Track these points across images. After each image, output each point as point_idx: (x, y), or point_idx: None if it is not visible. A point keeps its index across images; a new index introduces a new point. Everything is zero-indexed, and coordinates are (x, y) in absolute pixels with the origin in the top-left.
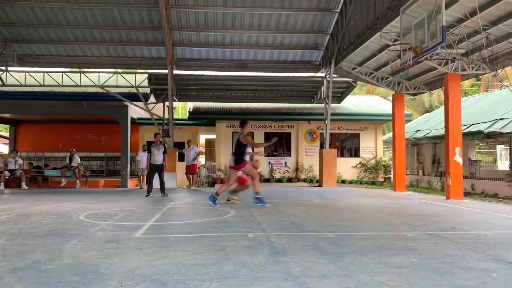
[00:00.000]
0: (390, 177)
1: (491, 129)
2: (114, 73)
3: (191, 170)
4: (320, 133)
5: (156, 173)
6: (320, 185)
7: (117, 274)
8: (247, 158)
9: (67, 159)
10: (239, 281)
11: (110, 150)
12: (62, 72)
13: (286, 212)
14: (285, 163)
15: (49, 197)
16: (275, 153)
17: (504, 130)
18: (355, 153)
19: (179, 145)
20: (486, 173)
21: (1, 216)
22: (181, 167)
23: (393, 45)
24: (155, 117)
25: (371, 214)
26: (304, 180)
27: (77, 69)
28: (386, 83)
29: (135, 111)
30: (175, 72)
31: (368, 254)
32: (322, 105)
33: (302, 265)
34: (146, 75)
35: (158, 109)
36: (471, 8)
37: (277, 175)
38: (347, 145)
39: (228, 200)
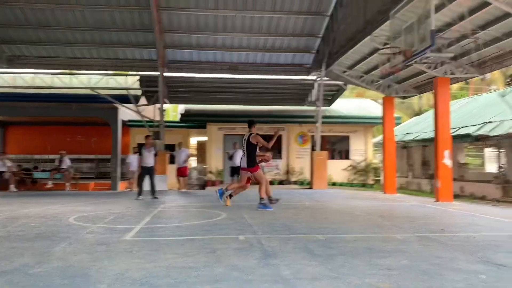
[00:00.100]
0: (380, 179)
1: (480, 132)
2: (105, 75)
3: (182, 172)
4: (311, 136)
5: (147, 176)
6: (311, 188)
7: (106, 277)
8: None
9: (57, 161)
10: (229, 284)
11: (100, 152)
12: (52, 73)
13: (276, 214)
14: (277, 165)
15: (38, 200)
16: None
17: (492, 133)
18: (346, 155)
19: (170, 148)
20: (475, 175)
21: None
22: (172, 169)
23: (383, 48)
24: (146, 119)
25: (361, 216)
26: (295, 183)
27: (68, 71)
28: (376, 86)
29: (126, 113)
30: (166, 74)
31: (358, 256)
32: (313, 108)
33: (293, 267)
34: (137, 77)
35: (149, 111)
36: (460, 12)
37: (268, 178)
38: (337, 148)
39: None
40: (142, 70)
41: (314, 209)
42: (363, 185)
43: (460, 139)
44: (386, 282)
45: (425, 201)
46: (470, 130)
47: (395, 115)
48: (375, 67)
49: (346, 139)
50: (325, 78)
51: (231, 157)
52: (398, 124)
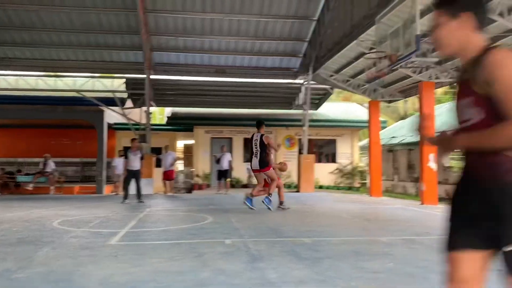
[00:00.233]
0: (366, 182)
1: None
2: (91, 77)
3: (168, 176)
4: (298, 139)
5: (133, 179)
6: (298, 191)
7: (90, 282)
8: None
9: (41, 164)
10: None
11: (85, 155)
12: (37, 76)
13: (263, 217)
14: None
15: (22, 204)
16: None
17: None
18: (332, 159)
19: (156, 151)
20: None
21: None
22: (158, 173)
23: (369, 53)
24: (132, 122)
25: (348, 219)
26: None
27: (53, 73)
28: (362, 90)
29: (112, 116)
30: (152, 76)
31: (344, 259)
32: (300, 111)
33: (279, 271)
34: (123, 80)
35: (135, 114)
36: None
37: (255, 181)
38: (324, 151)
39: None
40: (128, 73)
41: (301, 212)
42: (350, 188)
43: None
44: (372, 285)
45: (410, 204)
46: None
47: (381, 119)
48: (361, 71)
49: (332, 142)
50: (312, 82)
51: (218, 161)
52: (383, 127)
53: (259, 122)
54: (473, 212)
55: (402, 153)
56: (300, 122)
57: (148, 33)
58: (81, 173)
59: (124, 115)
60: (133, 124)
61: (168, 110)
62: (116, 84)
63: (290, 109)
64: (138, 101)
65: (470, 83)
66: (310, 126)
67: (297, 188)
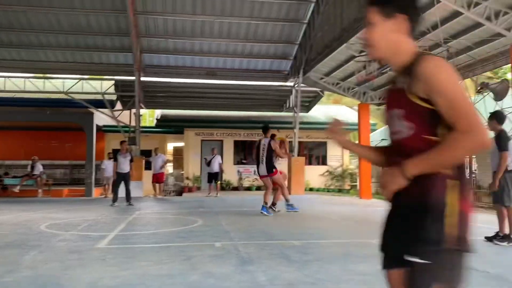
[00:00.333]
0: (357, 185)
1: None
2: (80, 79)
3: (158, 178)
4: (289, 142)
5: (122, 182)
6: (289, 193)
7: (78, 286)
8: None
9: (29, 167)
10: None
11: (74, 158)
12: (24, 77)
13: (254, 220)
14: (254, 171)
15: (9, 207)
16: (244, 161)
17: None
18: (323, 161)
19: (146, 153)
20: None
21: None
22: (147, 175)
23: (359, 56)
24: (121, 124)
25: (338, 221)
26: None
27: (41, 75)
28: (352, 93)
29: (101, 118)
30: (142, 78)
31: (334, 261)
32: (290, 114)
33: (269, 273)
34: (113, 82)
35: (125, 117)
36: (433, 21)
37: (246, 183)
38: (315, 154)
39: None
40: (118, 75)
41: (291, 214)
42: (340, 191)
43: None
44: (361, 287)
45: None
46: None
47: (371, 121)
48: (351, 74)
49: (323, 145)
50: (303, 85)
51: (208, 163)
52: (373, 130)
53: (265, 127)
54: (395, 228)
55: None
56: (291, 124)
57: (138, 35)
58: (70, 175)
59: (113, 117)
60: (123, 127)
61: (158, 112)
62: (105, 86)
63: (281, 111)
64: (128, 103)
65: (402, 92)
66: (300, 128)
67: (287, 190)
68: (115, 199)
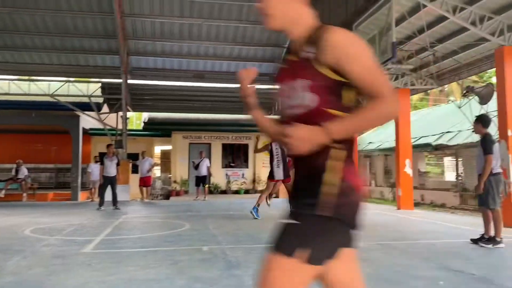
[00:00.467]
0: None
1: (439, 142)
2: (66, 81)
3: (145, 182)
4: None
5: (109, 186)
6: (277, 197)
7: None
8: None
9: (14, 171)
10: None
11: (60, 161)
12: (9, 79)
13: (241, 224)
14: (243, 174)
15: None
16: (233, 164)
17: (451, 143)
18: None
19: (133, 157)
20: (435, 184)
21: None
22: (134, 179)
23: None
24: (108, 127)
25: None
26: (262, 192)
27: (26, 77)
28: None
29: (87, 121)
30: (129, 81)
31: None
32: None
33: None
34: (99, 84)
35: (111, 120)
36: (420, 26)
37: (234, 187)
38: None
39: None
40: (104, 77)
41: (279, 218)
42: None
43: (421, 148)
44: None
45: (387, 209)
46: (430, 140)
47: None
48: None
49: None
50: None
51: (196, 167)
52: (361, 133)
53: None
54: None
55: (379, 158)
56: None
57: (125, 37)
58: (55, 179)
59: (100, 120)
60: (109, 130)
61: (145, 115)
62: (92, 88)
63: (270, 115)
64: (115, 106)
65: (308, 63)
66: None
67: (276, 193)
68: (101, 203)
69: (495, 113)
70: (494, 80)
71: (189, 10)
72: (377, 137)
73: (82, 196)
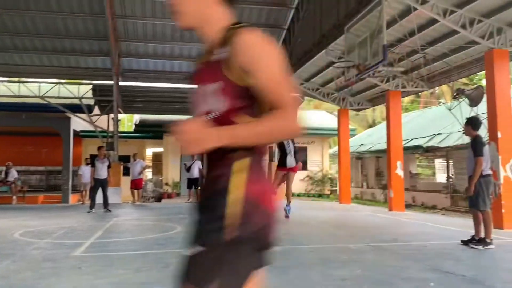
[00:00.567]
0: (336, 189)
1: (430, 144)
2: (56, 83)
3: (136, 184)
4: (269, 147)
5: (100, 188)
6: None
7: None
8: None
9: (3, 173)
10: None
11: (50, 163)
12: None
13: None
14: None
15: None
16: None
17: (441, 145)
18: (303, 166)
19: (125, 159)
20: (426, 185)
21: None
22: (126, 181)
23: (338, 62)
24: (99, 129)
25: (317, 226)
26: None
27: (16, 79)
28: (331, 99)
29: (78, 123)
30: (121, 83)
31: (313, 267)
32: None
33: None
34: (90, 86)
35: (103, 121)
36: (411, 28)
37: None
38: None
39: None
40: (95, 79)
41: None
42: (320, 196)
43: (412, 150)
44: None
45: (378, 210)
46: (421, 142)
47: (350, 127)
48: (330, 80)
49: (303, 150)
50: None
51: (188, 169)
52: (353, 135)
53: None
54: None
55: (371, 160)
56: None
57: (117, 38)
58: (46, 181)
59: (91, 122)
60: (101, 132)
61: (136, 117)
62: (83, 90)
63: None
64: (106, 108)
65: (218, 67)
66: None
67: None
68: (92, 205)
69: (485, 115)
70: (484, 82)
71: None
72: (368, 139)
73: (73, 198)
